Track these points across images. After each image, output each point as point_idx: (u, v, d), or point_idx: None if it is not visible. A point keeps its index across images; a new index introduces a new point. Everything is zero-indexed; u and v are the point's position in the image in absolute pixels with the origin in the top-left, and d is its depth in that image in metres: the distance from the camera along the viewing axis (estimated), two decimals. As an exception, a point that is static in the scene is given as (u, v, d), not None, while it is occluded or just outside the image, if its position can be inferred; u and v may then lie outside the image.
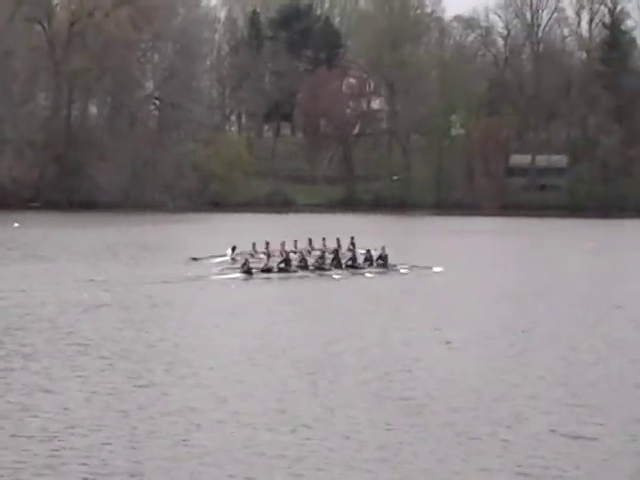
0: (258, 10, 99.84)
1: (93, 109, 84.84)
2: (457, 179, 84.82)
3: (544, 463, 10.27)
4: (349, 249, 31.65)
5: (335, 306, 22.92)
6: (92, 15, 75.86)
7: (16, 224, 47.86)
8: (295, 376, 14.25)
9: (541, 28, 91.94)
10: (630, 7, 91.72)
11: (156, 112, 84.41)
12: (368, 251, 30.46)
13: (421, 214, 72.19)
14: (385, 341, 17.52)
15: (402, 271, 29.24)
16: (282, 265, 28.23)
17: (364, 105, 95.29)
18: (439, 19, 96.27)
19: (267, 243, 30.46)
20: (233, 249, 31.76)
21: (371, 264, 29.76)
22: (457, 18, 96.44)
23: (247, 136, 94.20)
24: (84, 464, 10.00)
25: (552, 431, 11.44)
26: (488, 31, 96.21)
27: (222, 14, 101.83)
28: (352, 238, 32.61)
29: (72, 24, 76.10)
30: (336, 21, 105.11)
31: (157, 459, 10.21)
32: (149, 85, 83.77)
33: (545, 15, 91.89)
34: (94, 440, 10.79)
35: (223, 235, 42.57)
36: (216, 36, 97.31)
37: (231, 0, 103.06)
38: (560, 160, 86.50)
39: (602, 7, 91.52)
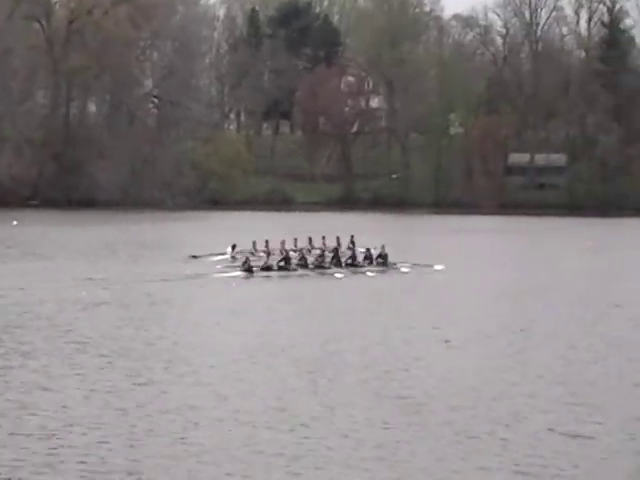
0: (257, 8, 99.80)
1: (92, 107, 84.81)
2: (456, 178, 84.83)
3: (543, 462, 10.28)
4: (349, 248, 31.66)
5: (335, 304, 22.93)
6: (91, 13, 75.82)
7: (15, 222, 47.84)
8: (294, 374, 14.25)
9: (540, 27, 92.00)
10: (629, 6, 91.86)
11: (155, 110, 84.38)
12: (368, 250, 30.46)
13: (420, 213, 72.19)
14: (384, 340, 17.53)
15: (403, 270, 29.23)
16: (282, 263, 28.26)
17: (363, 103, 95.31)
18: (438, 18, 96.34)
19: (267, 242, 30.51)
20: (233, 247, 31.80)
21: (371, 263, 29.75)
22: (456, 17, 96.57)
23: (246, 134, 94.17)
24: (83, 462, 10.00)
25: (551, 430, 11.45)
26: (487, 30, 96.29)
27: (221, 12, 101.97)
28: (352, 237, 32.61)
29: (71, 22, 76.05)
30: (335, 19, 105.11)
31: (156, 457, 10.21)
32: (148, 83, 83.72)
33: (544, 14, 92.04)
34: (93, 438, 10.80)
35: (222, 233, 42.57)
36: (215, 34, 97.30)
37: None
38: (559, 159, 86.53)
39: (601, 6, 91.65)
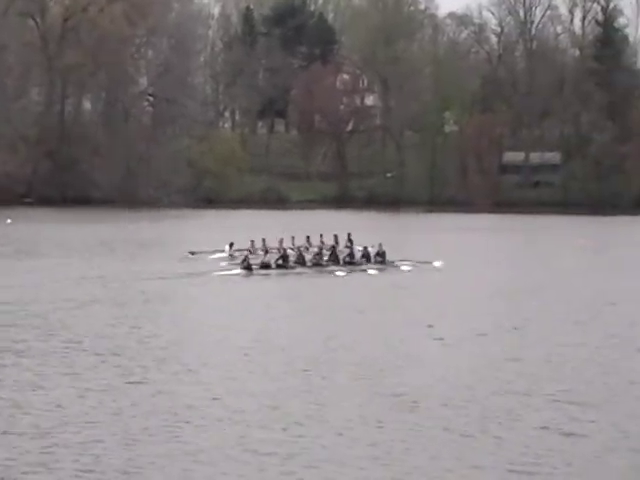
0: (252, 6, 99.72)
1: (87, 104, 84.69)
2: (450, 176, 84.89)
3: (537, 460, 10.29)
4: (346, 246, 31.69)
5: (332, 303, 22.93)
6: (86, 10, 75.69)
7: (9, 220, 47.73)
8: (289, 373, 14.25)
9: (534, 25, 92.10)
10: (623, 4, 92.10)
11: (150, 108, 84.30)
12: (365, 248, 30.50)
13: (415, 211, 72.22)
14: (379, 338, 17.53)
15: (403, 268, 29.25)
16: (280, 261, 28.30)
17: (358, 101, 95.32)
18: (433, 16, 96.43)
19: (263, 240, 30.58)
20: (231, 245, 31.85)
21: (368, 261, 29.79)
22: (450, 15, 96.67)
23: (241, 132, 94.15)
24: (77, 461, 9.98)
25: (545, 428, 11.46)
26: (481, 28, 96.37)
27: (216, 10, 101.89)
28: (349, 234, 32.65)
29: (66, 19, 75.91)
30: (330, 17, 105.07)
31: (150, 456, 10.20)
32: (143, 81, 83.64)
33: (538, 12, 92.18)
34: (87, 437, 10.78)
35: (218, 231, 42.57)
36: (210, 32, 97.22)
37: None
38: (553, 157, 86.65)
39: (595, 4, 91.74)
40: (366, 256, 30.03)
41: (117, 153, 73.39)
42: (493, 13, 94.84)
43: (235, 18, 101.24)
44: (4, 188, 65.77)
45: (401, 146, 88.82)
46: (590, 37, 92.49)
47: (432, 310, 21.45)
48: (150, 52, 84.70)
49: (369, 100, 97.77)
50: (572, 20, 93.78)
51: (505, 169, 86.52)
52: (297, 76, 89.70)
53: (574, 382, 14.01)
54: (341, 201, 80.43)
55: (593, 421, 11.86)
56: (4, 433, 10.90)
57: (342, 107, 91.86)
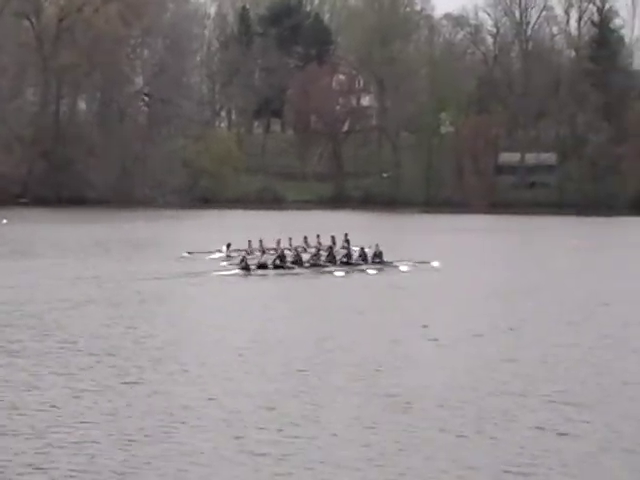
0: (248, 6, 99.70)
1: (82, 105, 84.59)
2: (446, 177, 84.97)
3: (532, 461, 10.31)
4: (343, 246, 31.75)
5: (330, 303, 22.95)
6: (81, 10, 75.63)
7: (4, 220, 47.65)
8: (285, 373, 14.25)
9: (530, 26, 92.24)
10: (618, 5, 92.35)
11: (145, 108, 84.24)
12: (362, 248, 30.55)
13: (410, 211, 72.25)
14: (376, 339, 17.54)
15: (401, 268, 29.28)
16: (277, 262, 28.33)
17: (354, 102, 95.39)
18: (429, 17, 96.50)
19: (260, 241, 30.62)
20: (228, 246, 31.87)
21: (366, 261, 29.83)
22: (446, 16, 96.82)
23: (237, 132, 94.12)
24: (71, 462, 9.97)
25: (540, 428, 11.48)
26: (477, 29, 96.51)
27: (212, 10, 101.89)
28: (346, 235, 32.70)
29: (61, 20, 75.84)
30: (326, 18, 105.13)
31: (145, 457, 10.19)
32: (139, 81, 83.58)
33: (534, 13, 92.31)
34: (82, 437, 10.77)
35: (215, 231, 42.56)
36: (206, 32, 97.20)
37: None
38: (549, 158, 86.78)
39: (591, 5, 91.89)
40: (363, 256, 30.07)
41: (112, 153, 73.33)
42: (489, 14, 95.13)
43: (231, 18, 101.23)
44: (-1, 188, 65.74)
45: (397, 147, 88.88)
46: (586, 38, 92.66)
47: (428, 311, 21.47)
48: (145, 52, 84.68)
49: (365, 100, 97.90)
50: (568, 21, 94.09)
51: (501, 170, 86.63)
52: (293, 76, 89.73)
53: (569, 383, 14.03)
54: (337, 201, 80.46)
55: (587, 421, 11.89)
56: (-1, 434, 10.89)
57: (338, 107, 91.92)
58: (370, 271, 28.84)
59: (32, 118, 75.18)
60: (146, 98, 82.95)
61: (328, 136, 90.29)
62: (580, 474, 10.03)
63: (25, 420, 11.43)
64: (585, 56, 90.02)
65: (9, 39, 73.71)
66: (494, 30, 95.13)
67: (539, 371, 14.81)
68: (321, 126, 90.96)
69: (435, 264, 29.76)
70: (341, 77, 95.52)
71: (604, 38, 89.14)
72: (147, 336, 17.25)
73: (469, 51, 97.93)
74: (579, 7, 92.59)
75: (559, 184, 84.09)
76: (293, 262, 28.75)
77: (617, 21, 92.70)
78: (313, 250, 30.60)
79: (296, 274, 27.96)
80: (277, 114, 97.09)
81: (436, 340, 17.38)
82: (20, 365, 14.45)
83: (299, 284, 26.64)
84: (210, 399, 12.64)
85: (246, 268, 27.53)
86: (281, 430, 11.23)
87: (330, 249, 30.50)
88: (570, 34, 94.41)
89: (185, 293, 23.75)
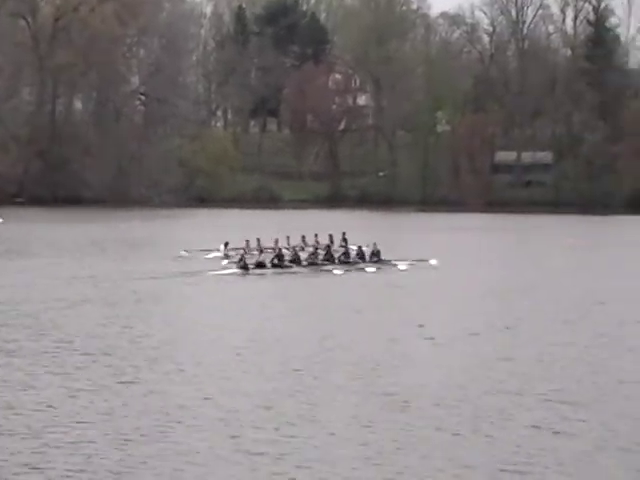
0: (244, 6, 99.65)
1: (78, 104, 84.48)
2: (443, 175, 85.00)
3: (527, 459, 10.32)
4: (341, 245, 31.78)
5: (328, 302, 22.97)
6: (77, 10, 75.53)
7: (0, 220, 47.57)
8: (282, 372, 14.25)
9: (526, 25, 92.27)
10: (614, 4, 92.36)
11: (142, 107, 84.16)
12: (360, 247, 30.57)
13: (407, 210, 72.31)
14: (374, 337, 17.55)
15: (399, 266, 29.31)
16: (275, 261, 28.36)
17: (350, 101, 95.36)
18: (425, 15, 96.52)
19: (258, 240, 30.65)
20: (225, 245, 31.88)
21: (363, 260, 29.86)
22: (443, 15, 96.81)
23: (233, 131, 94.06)
24: (68, 461, 9.96)
25: (536, 427, 11.50)
26: (473, 28, 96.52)
27: (208, 9, 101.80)
28: (344, 234, 32.75)
29: (57, 19, 75.72)
30: (322, 17, 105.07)
31: (141, 456, 10.19)
32: (135, 80, 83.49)
33: (530, 12, 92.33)
34: (78, 437, 10.76)
35: (211, 231, 42.53)
36: (202, 31, 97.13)
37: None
38: (545, 157, 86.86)
39: (586, 4, 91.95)
40: (361, 255, 30.10)
41: (108, 153, 73.25)
42: (485, 13, 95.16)
43: (227, 17, 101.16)
44: (-5, 188, 65.63)
45: (393, 146, 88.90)
46: (582, 37, 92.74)
47: (425, 309, 21.50)
48: (141, 51, 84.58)
49: (361, 100, 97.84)
50: (564, 20, 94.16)
51: (497, 169, 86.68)
52: (289, 75, 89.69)
53: (564, 381, 14.05)
54: (333, 200, 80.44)
55: (583, 420, 11.91)
56: (-5, 433, 10.88)
57: (334, 106, 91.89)
58: (369, 269, 28.92)
59: (28, 117, 75.08)
60: (142, 97, 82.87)
61: (324, 135, 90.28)
62: (576, 473, 10.05)
63: (21, 420, 11.42)
64: (581, 55, 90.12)
65: (5, 39, 73.60)
66: (490, 29, 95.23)
67: (535, 370, 14.83)
68: (317, 125, 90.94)
69: (433, 262, 29.85)
70: (337, 76, 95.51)
71: (600, 37, 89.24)
72: (143, 335, 17.24)
73: (465, 50, 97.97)
74: (575, 6, 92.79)
75: (555, 183, 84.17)
76: (291, 261, 28.78)
77: (613, 20, 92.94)
78: (311, 249, 30.63)
79: (294, 273, 27.98)
80: (273, 113, 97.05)
81: (433, 339, 17.40)
82: (16, 365, 14.44)
83: (297, 283, 26.65)
84: (206, 398, 12.64)
85: (244, 267, 27.55)
86: (278, 429, 11.23)
87: (328, 248, 30.53)
88: (566, 33, 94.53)
89: (182, 292, 23.74)
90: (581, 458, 10.46)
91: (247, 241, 30.75)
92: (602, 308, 22.42)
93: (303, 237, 33.19)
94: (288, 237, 32.26)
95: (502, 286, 26.42)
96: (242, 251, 29.18)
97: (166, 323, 18.96)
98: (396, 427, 11.42)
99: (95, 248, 35.22)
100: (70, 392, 12.79)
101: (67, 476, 9.61)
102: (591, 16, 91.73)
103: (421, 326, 18.76)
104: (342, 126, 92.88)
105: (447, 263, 30.40)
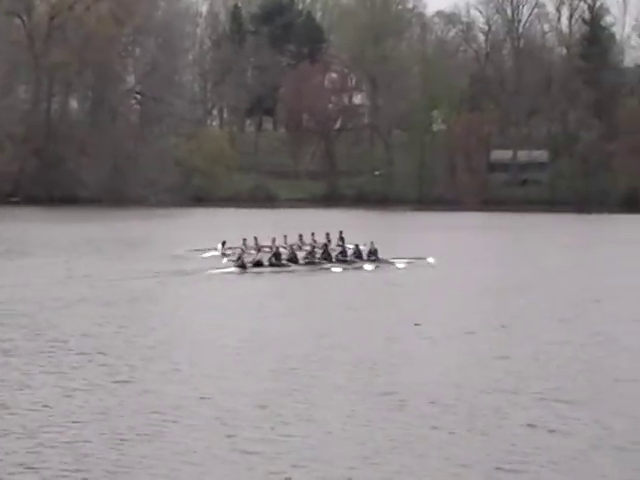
0: (240, 5, 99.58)
1: (74, 103, 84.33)
2: (439, 174, 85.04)
3: (523, 458, 10.33)
4: (338, 244, 31.81)
5: (325, 301, 22.97)
6: (72, 9, 75.40)
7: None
8: (279, 371, 14.24)
9: (522, 24, 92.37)
10: (609, 3, 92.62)
11: (138, 106, 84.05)
12: (357, 246, 30.61)
13: (403, 209, 72.33)
14: (371, 336, 17.55)
15: (397, 265, 29.34)
16: (273, 259, 28.39)
17: (346, 100, 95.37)
18: (421, 14, 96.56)
19: (255, 239, 30.68)
20: (223, 244, 31.87)
21: (360, 259, 29.89)
22: (438, 14, 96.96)
23: (229, 131, 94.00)
24: (63, 461, 9.94)
25: (531, 426, 11.51)
26: (469, 27, 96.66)
27: (204, 8, 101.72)
28: (341, 232, 32.79)
29: (52, 18, 75.58)
30: (318, 16, 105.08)
31: (137, 456, 10.17)
32: (130, 79, 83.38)
33: (526, 11, 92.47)
34: (73, 437, 10.74)
35: (208, 230, 42.49)
36: (198, 30, 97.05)
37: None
38: (541, 155, 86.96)
39: (582, 3, 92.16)
40: (358, 254, 30.14)
41: (104, 152, 73.13)
42: (481, 12, 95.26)
43: (223, 16, 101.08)
44: (-10, 187, 65.48)
45: (389, 145, 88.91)
46: (577, 35, 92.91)
47: (422, 308, 21.50)
48: (137, 50, 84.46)
49: (357, 99, 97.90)
50: (559, 18, 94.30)
51: (493, 167, 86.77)
52: (285, 74, 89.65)
53: (560, 380, 14.07)
54: (330, 199, 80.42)
55: (579, 419, 11.92)
56: (-10, 433, 10.85)
57: (330, 106, 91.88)
58: (367, 266, 28.97)
59: (23, 116, 74.91)
60: (138, 97, 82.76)
61: (320, 134, 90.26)
62: (571, 471, 10.06)
63: (16, 419, 11.40)
64: (576, 53, 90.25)
65: (0, 37, 73.42)
66: (486, 28, 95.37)
67: (531, 368, 14.85)
68: (313, 124, 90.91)
69: (430, 260, 29.90)
70: (333, 75, 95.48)
71: (595, 35, 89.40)
72: (139, 335, 17.22)
73: (461, 49, 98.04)
74: (570, 4, 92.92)
75: (551, 181, 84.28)
76: (288, 260, 28.81)
77: (608, 19, 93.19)
78: (308, 248, 30.66)
79: (292, 272, 27.99)
80: (269, 112, 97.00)
81: (429, 338, 17.41)
82: (11, 364, 14.41)
83: (295, 282, 26.66)
84: (203, 398, 12.63)
85: (242, 266, 27.56)
86: (274, 428, 11.22)
87: (325, 247, 30.57)
88: (561, 31, 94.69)
89: (179, 291, 23.71)
90: (577, 456, 10.47)
91: (244, 240, 30.75)
92: (598, 306, 22.46)
93: (300, 236, 33.21)
94: (285, 236, 32.30)
95: (498, 284, 26.44)
96: (240, 250, 29.18)
97: (162, 322, 18.94)
98: (392, 426, 11.42)
99: (91, 247, 35.17)
100: (65, 391, 12.77)
101: (62, 476, 9.59)
102: (586, 15, 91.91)
103: (417, 325, 18.77)
104: (338, 125, 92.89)
105: (443, 262, 30.42)
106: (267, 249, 29.92)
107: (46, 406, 12.02)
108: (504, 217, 65.31)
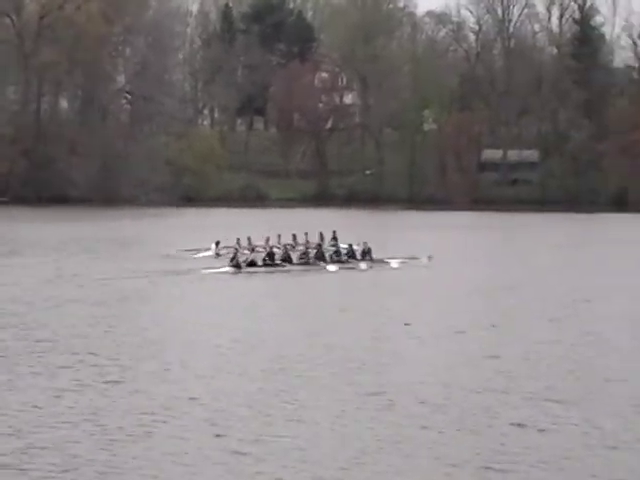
0: (230, 4, 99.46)
1: (63, 103, 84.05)
2: (429, 174, 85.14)
3: (513, 457, 10.35)
4: (332, 244, 31.82)
5: (318, 301, 22.97)
6: (62, 8, 75.13)
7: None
8: (268, 372, 14.22)
9: (512, 24, 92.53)
10: (599, 3, 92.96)
11: (128, 106, 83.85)
12: (350, 246, 30.62)
13: (394, 209, 72.38)
14: (358, 336, 17.55)
15: (392, 264, 29.37)
16: (267, 259, 28.38)
17: (337, 99, 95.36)
18: (411, 14, 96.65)
19: (249, 238, 30.65)
20: (217, 244, 31.83)
21: (354, 258, 29.91)
22: (429, 13, 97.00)
23: (220, 130, 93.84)
24: (52, 463, 9.91)
25: (521, 425, 11.53)
26: (460, 26, 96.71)
27: (194, 7, 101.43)
28: (334, 232, 32.77)
29: (42, 17, 75.29)
30: (309, 15, 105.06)
31: (127, 456, 10.15)
32: (121, 79, 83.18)
33: (516, 11, 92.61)
34: (63, 437, 10.70)
35: (200, 230, 42.44)
36: (188, 30, 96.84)
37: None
38: (531, 155, 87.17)
39: (572, 3, 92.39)
40: (351, 254, 30.16)
41: (94, 151, 72.91)
42: (471, 11, 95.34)
43: (214, 15, 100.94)
44: (-20, 187, 65.19)
45: (380, 144, 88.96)
46: (567, 35, 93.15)
47: (412, 307, 21.52)
48: (127, 50, 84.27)
49: (348, 98, 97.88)
50: (549, 18, 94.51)
51: (483, 167, 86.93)
52: (276, 74, 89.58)
53: (550, 379, 14.09)
54: (320, 199, 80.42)
55: (569, 418, 11.94)
56: (-21, 434, 10.80)
57: (321, 105, 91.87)
58: (361, 266, 29.00)
59: (13, 116, 74.62)
60: (128, 96, 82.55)
61: (311, 134, 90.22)
62: (561, 471, 10.08)
63: (5, 420, 11.35)
64: (567, 53, 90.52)
65: (-11, 37, 73.17)
66: (476, 27, 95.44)
67: (521, 368, 14.87)
68: (304, 124, 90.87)
69: (424, 259, 29.96)
70: (324, 75, 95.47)
71: (585, 35, 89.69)
72: (129, 335, 17.18)
73: (451, 48, 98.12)
74: (560, 4, 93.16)
75: (541, 181, 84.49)
76: (282, 260, 28.80)
77: (598, 19, 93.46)
78: (302, 248, 30.66)
79: (286, 271, 27.99)
80: (260, 112, 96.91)
81: (419, 337, 17.42)
82: (0, 364, 14.34)
83: (289, 281, 26.65)
84: (192, 398, 12.60)
85: (237, 266, 27.54)
86: (263, 429, 11.21)
87: (319, 246, 30.58)
88: (552, 31, 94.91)
89: (171, 291, 23.65)
90: (566, 456, 10.48)
91: (238, 239, 30.73)
92: (588, 306, 22.52)
93: (294, 236, 33.21)
94: (279, 235, 32.30)
95: (488, 284, 26.48)
96: (234, 250, 29.17)
97: (154, 322, 18.89)
98: (381, 426, 11.42)
99: (81, 247, 35.06)
100: (55, 392, 12.72)
101: (52, 477, 9.55)
102: (576, 15, 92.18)
103: (408, 324, 18.78)
104: (329, 124, 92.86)
105: (434, 261, 30.46)
106: (261, 249, 29.90)
107: (35, 406, 11.97)
108: (494, 217, 65.43)
